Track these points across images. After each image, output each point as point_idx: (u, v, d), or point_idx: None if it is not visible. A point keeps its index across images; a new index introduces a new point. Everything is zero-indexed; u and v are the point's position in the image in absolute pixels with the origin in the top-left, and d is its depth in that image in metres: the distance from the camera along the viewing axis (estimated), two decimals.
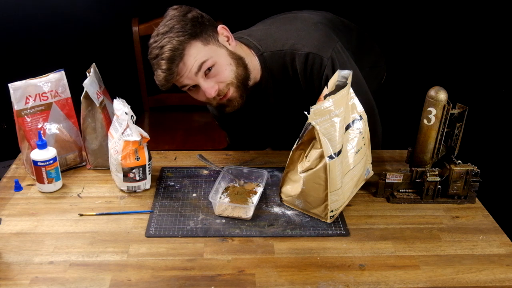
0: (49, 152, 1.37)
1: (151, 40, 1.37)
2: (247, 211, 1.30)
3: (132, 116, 1.34)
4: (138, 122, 1.40)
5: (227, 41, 1.44)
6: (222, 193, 1.38)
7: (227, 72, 1.41)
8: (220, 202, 1.33)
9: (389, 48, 2.72)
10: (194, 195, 1.41)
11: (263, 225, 1.29)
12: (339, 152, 1.22)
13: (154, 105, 2.45)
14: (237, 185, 1.41)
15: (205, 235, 1.25)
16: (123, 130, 1.34)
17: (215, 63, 1.39)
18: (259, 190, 1.38)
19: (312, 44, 1.48)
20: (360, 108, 1.35)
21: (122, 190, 1.41)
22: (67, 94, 1.48)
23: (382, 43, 2.69)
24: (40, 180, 1.38)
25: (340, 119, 1.21)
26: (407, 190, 1.41)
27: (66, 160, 1.49)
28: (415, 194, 1.41)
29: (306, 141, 1.26)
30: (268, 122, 1.74)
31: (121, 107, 1.34)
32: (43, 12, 2.50)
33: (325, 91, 1.25)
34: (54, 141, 1.45)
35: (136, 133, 1.34)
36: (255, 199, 1.34)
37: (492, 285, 1.12)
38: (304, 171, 1.26)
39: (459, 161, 1.37)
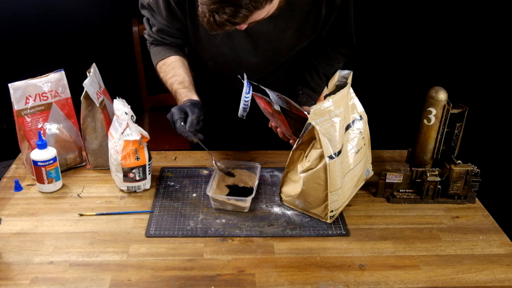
0: (49, 152, 1.37)
1: None
2: (245, 203, 1.31)
3: (132, 116, 1.34)
4: (138, 122, 1.40)
5: None
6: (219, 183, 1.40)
7: None
8: (215, 195, 1.33)
9: (389, 48, 2.73)
10: (194, 195, 1.41)
11: (263, 225, 1.29)
12: (339, 152, 1.22)
13: (154, 105, 2.45)
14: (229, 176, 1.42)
15: (205, 235, 1.25)
16: (123, 130, 1.34)
17: None
18: (255, 182, 1.39)
19: None
20: (360, 108, 1.35)
21: (122, 190, 1.41)
22: (67, 94, 1.48)
23: (383, 43, 2.71)
24: (40, 180, 1.38)
25: (340, 119, 1.21)
26: (407, 190, 1.41)
27: (66, 160, 1.49)
28: (415, 194, 1.41)
29: (306, 141, 1.26)
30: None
31: (121, 107, 1.34)
32: (43, 12, 2.50)
33: (325, 91, 1.25)
34: (54, 141, 1.45)
35: (136, 132, 1.34)
36: (252, 190, 1.35)
37: (492, 285, 1.13)
38: (304, 171, 1.26)
39: (459, 161, 1.37)
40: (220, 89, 1.67)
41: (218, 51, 1.51)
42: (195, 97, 1.44)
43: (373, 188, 1.43)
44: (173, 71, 1.52)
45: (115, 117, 1.36)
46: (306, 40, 1.52)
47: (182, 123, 1.35)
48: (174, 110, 1.39)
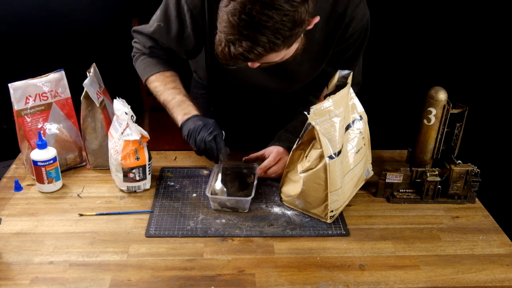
0: (49, 152, 1.37)
1: None
2: (244, 203, 1.31)
3: (132, 116, 1.34)
4: (138, 122, 1.40)
5: None
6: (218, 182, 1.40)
7: None
8: (214, 196, 1.34)
9: (389, 48, 2.73)
10: (194, 195, 1.41)
11: (263, 225, 1.29)
12: (339, 152, 1.22)
13: (154, 105, 2.45)
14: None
15: (205, 235, 1.25)
16: (123, 130, 1.34)
17: None
18: (254, 182, 1.39)
19: None
20: (360, 108, 1.35)
21: (122, 190, 1.41)
22: (67, 94, 1.48)
23: (383, 42, 2.70)
24: (40, 180, 1.38)
25: (340, 119, 1.21)
26: (407, 190, 1.41)
27: (66, 160, 1.49)
28: (415, 194, 1.41)
29: (306, 141, 1.26)
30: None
31: (121, 107, 1.34)
32: (43, 12, 2.50)
33: (325, 91, 1.25)
34: (54, 141, 1.45)
35: (136, 132, 1.34)
36: (251, 191, 1.35)
37: (492, 285, 1.13)
38: (304, 171, 1.26)
39: (459, 161, 1.37)
40: (219, 92, 1.66)
41: (231, 71, 1.41)
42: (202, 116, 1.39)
43: (373, 188, 1.43)
44: (174, 83, 1.45)
45: (115, 117, 1.36)
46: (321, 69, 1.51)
47: (219, 140, 1.32)
48: (211, 122, 1.32)
